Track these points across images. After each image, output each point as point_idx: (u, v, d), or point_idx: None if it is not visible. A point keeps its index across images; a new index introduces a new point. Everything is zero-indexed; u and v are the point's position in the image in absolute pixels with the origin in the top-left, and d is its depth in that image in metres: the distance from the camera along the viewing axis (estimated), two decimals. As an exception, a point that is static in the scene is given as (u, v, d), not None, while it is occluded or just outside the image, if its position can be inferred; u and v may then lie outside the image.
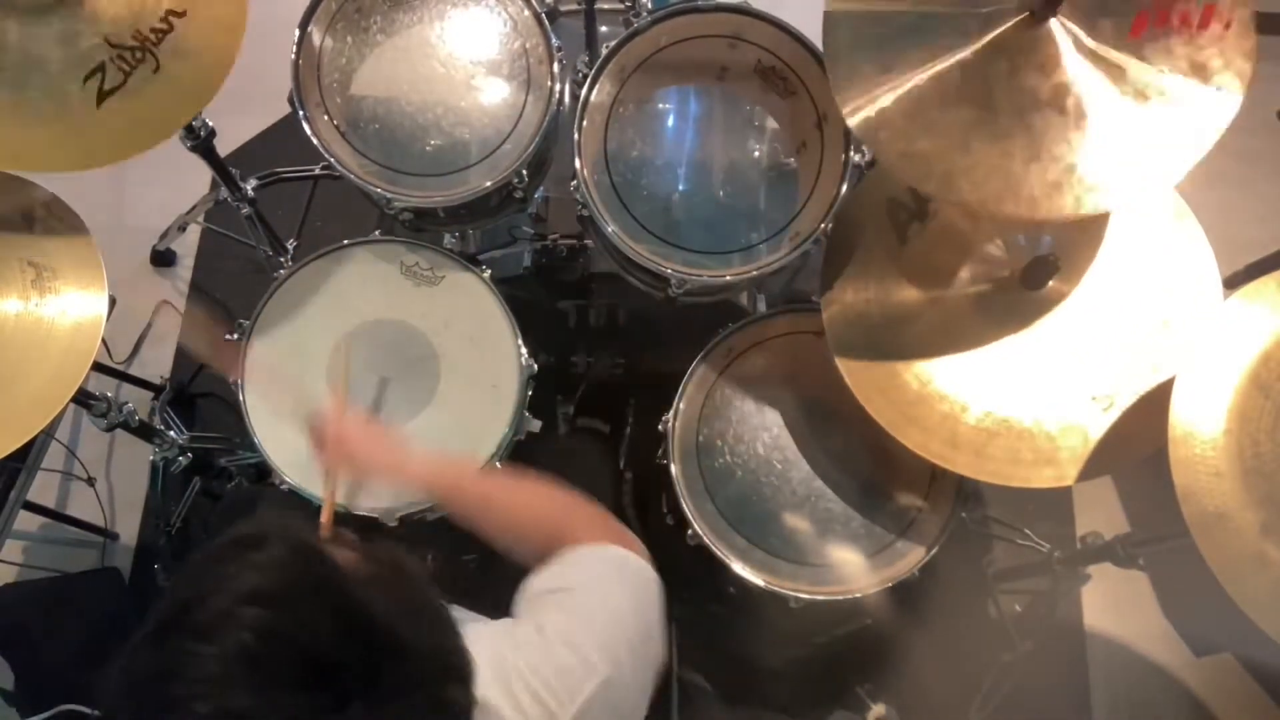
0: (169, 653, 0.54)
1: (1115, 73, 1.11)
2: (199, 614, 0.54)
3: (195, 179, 2.25)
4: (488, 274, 1.52)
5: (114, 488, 2.10)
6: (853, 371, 1.31)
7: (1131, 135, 1.10)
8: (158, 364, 2.19)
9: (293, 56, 1.48)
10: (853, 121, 1.14)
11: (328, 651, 0.54)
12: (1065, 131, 1.11)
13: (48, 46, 1.27)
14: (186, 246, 2.31)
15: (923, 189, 1.11)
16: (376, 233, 1.58)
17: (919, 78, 1.14)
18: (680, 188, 1.50)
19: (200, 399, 2.14)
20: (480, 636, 0.87)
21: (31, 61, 1.26)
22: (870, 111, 1.14)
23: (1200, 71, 1.10)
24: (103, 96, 1.27)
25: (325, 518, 1.20)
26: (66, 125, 1.26)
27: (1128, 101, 1.10)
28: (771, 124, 1.51)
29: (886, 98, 1.14)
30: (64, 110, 1.26)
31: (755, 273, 1.43)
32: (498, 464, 1.42)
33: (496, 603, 1.18)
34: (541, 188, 1.70)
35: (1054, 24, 1.13)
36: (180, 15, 1.31)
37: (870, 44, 1.17)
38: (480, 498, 1.03)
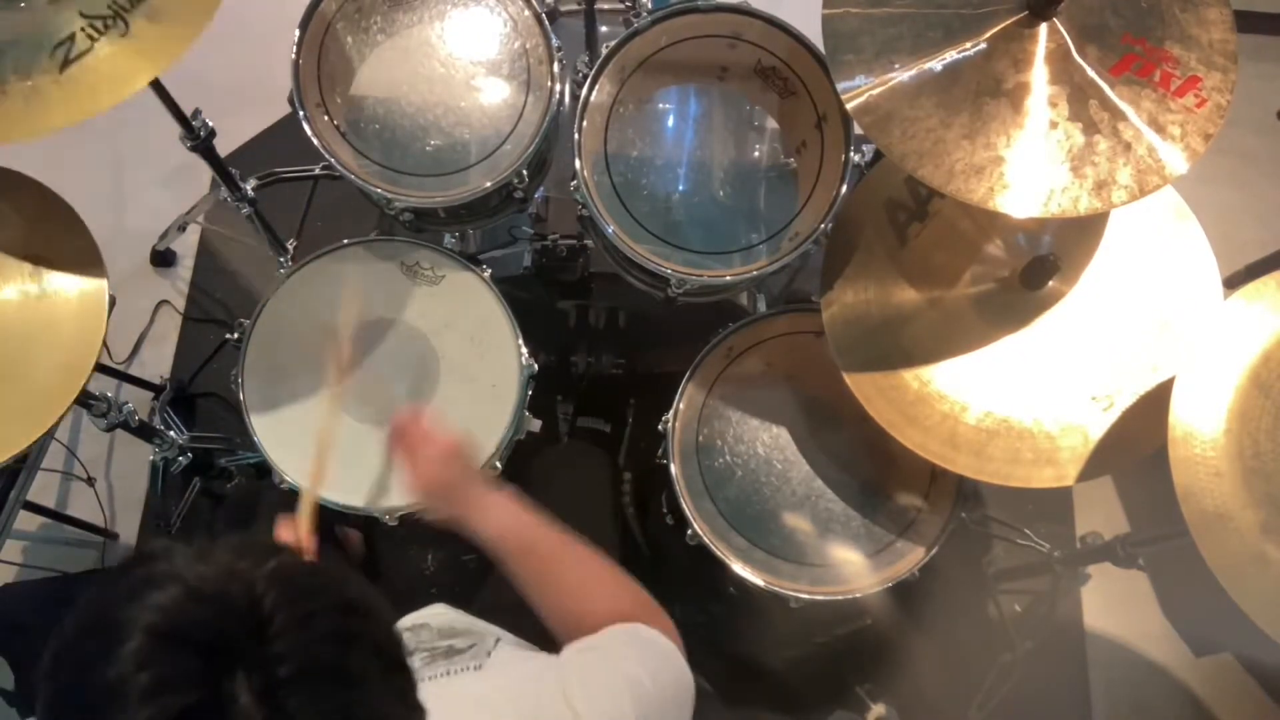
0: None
1: (1079, 95, 1.12)
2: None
3: (195, 179, 2.25)
4: (488, 274, 1.52)
5: (114, 488, 2.10)
6: (852, 371, 1.31)
7: (1063, 157, 1.11)
8: (158, 364, 2.19)
9: (293, 56, 1.48)
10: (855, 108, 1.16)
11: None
12: (1008, 126, 1.12)
13: (23, 23, 1.26)
14: (186, 246, 2.30)
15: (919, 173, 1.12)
16: (376, 233, 1.58)
17: (918, 67, 1.15)
18: (680, 188, 1.50)
19: (200, 399, 2.14)
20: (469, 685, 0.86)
21: (5, 40, 1.25)
22: (871, 99, 1.15)
23: (1157, 130, 1.10)
24: (67, 64, 1.25)
25: (305, 531, 1.10)
26: (28, 95, 1.25)
27: (1076, 126, 1.11)
28: (771, 124, 1.51)
29: (887, 86, 1.15)
30: (27, 80, 1.25)
31: (755, 273, 1.43)
32: (497, 464, 1.42)
33: (495, 604, 1.19)
34: (541, 188, 1.70)
35: (1046, 28, 1.14)
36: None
37: (869, 37, 1.18)
38: (540, 563, 0.99)
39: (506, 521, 1.01)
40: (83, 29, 1.27)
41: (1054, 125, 1.11)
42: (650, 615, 0.93)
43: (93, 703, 0.49)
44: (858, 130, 1.39)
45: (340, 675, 0.52)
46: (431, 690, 0.85)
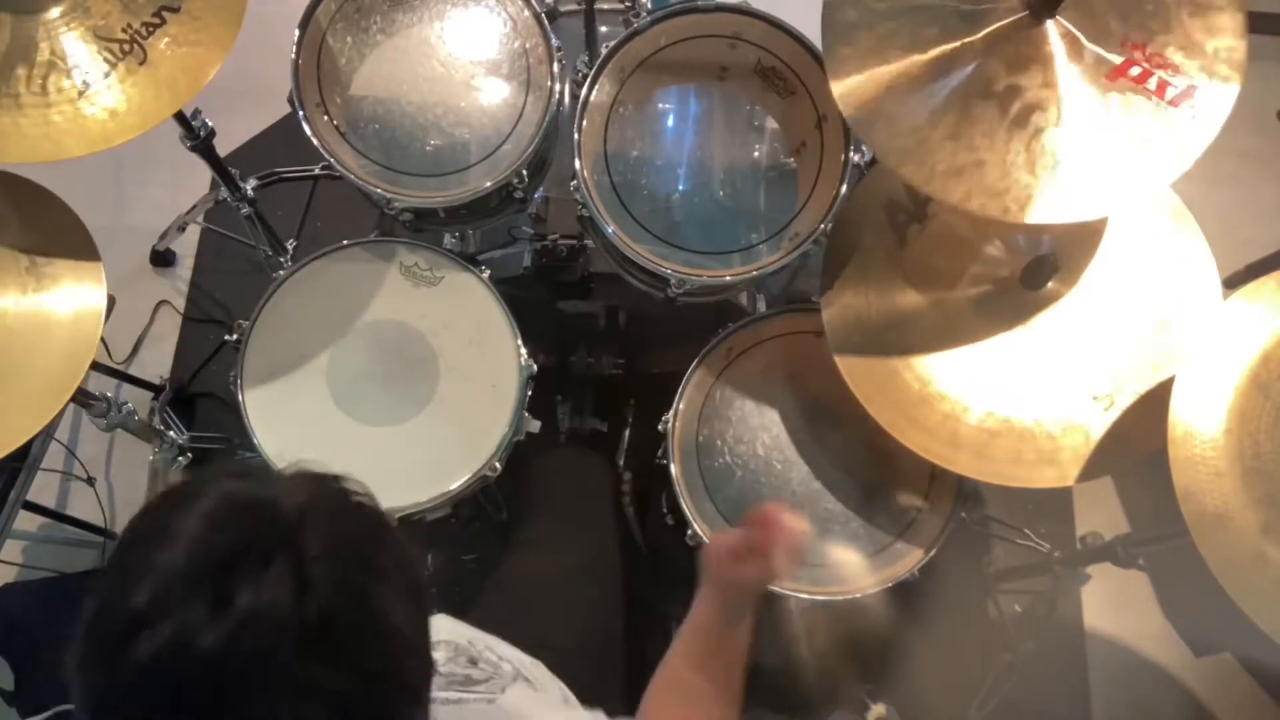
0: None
1: (1073, 98, 1.11)
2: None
3: (195, 179, 2.25)
4: (487, 274, 1.52)
5: (114, 488, 2.10)
6: (853, 372, 1.31)
7: (1047, 164, 1.09)
8: (158, 364, 2.19)
9: (293, 56, 1.48)
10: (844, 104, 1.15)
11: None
12: (995, 129, 1.10)
13: (36, 38, 1.26)
14: (186, 246, 2.30)
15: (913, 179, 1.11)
16: (376, 233, 1.58)
17: (915, 67, 1.14)
18: (680, 188, 1.50)
19: (200, 399, 2.14)
20: None
21: (17, 53, 1.25)
22: (867, 101, 1.15)
23: (1150, 137, 1.08)
24: (85, 89, 1.26)
25: None
26: (44, 116, 1.25)
27: (1067, 130, 1.09)
28: (771, 124, 1.51)
29: (878, 81, 1.14)
30: (43, 100, 1.25)
31: (755, 273, 1.43)
32: (497, 465, 1.42)
33: (494, 610, 1.19)
34: (541, 188, 1.70)
35: (1043, 30, 1.13)
36: (174, 10, 1.30)
37: (867, 32, 1.17)
38: (707, 672, 1.00)
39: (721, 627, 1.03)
40: (99, 51, 1.27)
41: (1041, 129, 1.10)
42: None
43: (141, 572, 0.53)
44: (858, 130, 1.38)
45: (366, 563, 0.57)
46: (439, 713, 0.84)
